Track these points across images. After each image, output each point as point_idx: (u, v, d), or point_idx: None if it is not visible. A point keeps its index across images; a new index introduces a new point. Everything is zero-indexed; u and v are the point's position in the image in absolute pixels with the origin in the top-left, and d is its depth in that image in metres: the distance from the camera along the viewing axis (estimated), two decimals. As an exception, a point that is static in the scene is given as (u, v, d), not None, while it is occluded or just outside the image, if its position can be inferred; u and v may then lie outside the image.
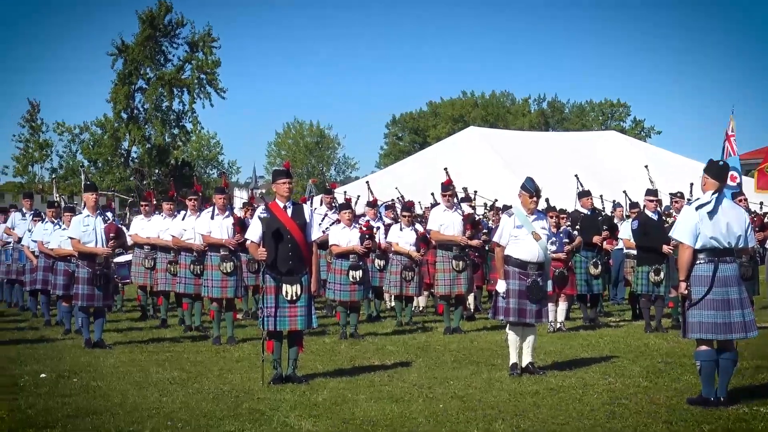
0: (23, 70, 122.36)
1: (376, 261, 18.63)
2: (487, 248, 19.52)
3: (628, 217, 20.96)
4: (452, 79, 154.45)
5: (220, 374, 12.08)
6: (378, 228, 18.31)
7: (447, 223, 16.62)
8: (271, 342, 11.42)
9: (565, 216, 18.17)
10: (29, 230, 19.73)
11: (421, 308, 20.58)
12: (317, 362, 13.03)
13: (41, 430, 8.89)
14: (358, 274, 16.03)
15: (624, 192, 22.79)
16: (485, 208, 23.68)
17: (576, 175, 19.20)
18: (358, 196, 21.67)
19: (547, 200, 16.78)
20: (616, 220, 20.72)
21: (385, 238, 18.51)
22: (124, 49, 56.19)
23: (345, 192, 24.13)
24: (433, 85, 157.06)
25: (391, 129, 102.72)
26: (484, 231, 19.30)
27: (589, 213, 18.13)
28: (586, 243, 17.65)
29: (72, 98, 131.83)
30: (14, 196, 49.09)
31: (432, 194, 20.29)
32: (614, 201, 23.96)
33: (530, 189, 12.03)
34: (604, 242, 18.09)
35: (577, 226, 17.71)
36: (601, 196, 20.32)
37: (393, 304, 19.49)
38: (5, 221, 22.74)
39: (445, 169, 18.07)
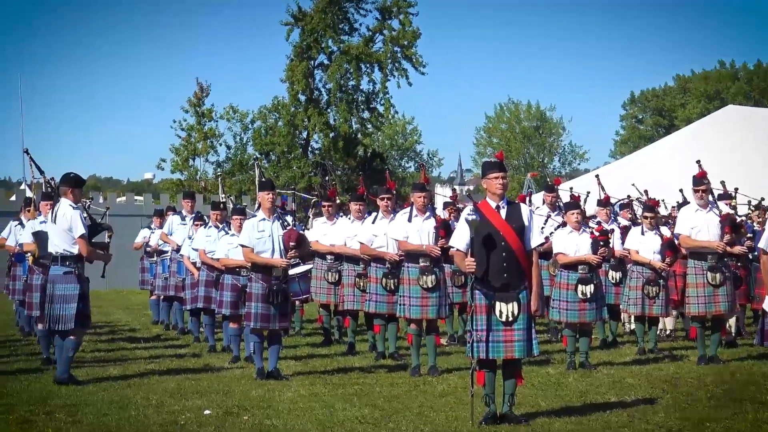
0: (184, 46, 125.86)
1: (611, 273, 18.51)
2: (751, 257, 19.14)
3: None
4: (705, 48, 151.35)
5: (420, 412, 12.16)
6: (612, 231, 18.15)
7: (700, 226, 16.38)
8: (483, 373, 11.41)
9: None
10: (190, 237, 20.03)
11: (668, 332, 20.38)
12: (539, 398, 13.04)
13: (206, 477, 9.11)
14: (589, 289, 15.94)
15: None
16: (748, 208, 23.16)
17: None
18: (588, 193, 21.52)
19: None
20: None
21: (622, 244, 18.37)
22: (302, 18, 56.31)
23: (571, 188, 23.99)
24: (682, 56, 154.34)
25: (629, 110, 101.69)
26: (748, 236, 18.93)
27: None
28: None
29: (241, 81, 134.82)
30: (172, 195, 49.49)
31: (681, 191, 19.99)
32: None
33: (805, 182, 11.74)
34: None
35: None
36: None
37: (633, 326, 19.32)
38: (161, 226, 23.13)
39: (698, 162, 17.79)
